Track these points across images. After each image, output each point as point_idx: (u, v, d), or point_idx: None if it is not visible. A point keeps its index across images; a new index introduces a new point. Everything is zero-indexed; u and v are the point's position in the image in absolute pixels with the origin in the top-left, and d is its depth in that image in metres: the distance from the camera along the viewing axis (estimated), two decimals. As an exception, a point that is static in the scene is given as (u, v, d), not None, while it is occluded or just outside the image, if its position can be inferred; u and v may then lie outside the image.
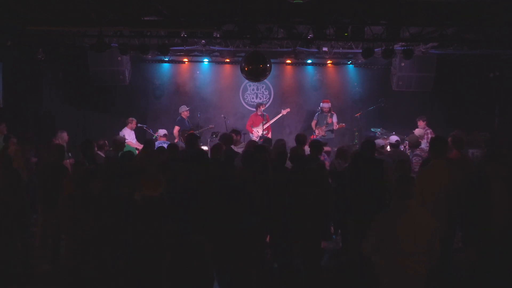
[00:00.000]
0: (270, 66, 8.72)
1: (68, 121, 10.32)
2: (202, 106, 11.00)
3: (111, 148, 7.00)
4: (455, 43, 9.02)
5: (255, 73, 8.65)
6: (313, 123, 10.17)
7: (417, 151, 7.04)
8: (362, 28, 7.53)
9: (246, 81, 10.74)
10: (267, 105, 10.61)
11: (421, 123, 9.24)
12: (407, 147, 8.01)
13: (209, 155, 7.11)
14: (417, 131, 8.66)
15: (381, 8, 7.01)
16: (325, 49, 9.20)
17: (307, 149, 6.29)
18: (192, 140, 6.46)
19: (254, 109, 10.75)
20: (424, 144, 8.42)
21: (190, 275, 1.98)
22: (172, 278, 1.99)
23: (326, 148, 7.77)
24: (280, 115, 10.18)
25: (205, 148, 8.83)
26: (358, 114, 10.35)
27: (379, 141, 7.12)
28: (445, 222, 4.33)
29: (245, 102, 11.35)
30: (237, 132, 8.02)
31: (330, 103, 10.12)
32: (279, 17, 7.51)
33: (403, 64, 9.73)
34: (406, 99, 10.72)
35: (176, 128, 9.64)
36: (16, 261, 5.22)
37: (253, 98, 11.34)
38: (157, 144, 8.16)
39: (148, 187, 3.86)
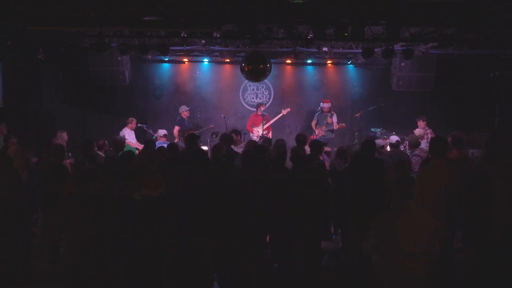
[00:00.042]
0: (270, 66, 8.72)
1: (68, 121, 10.32)
2: (202, 106, 11.00)
3: (111, 148, 7.01)
4: (455, 43, 9.02)
5: (255, 73, 8.65)
6: (313, 123, 10.17)
7: (417, 151, 7.05)
8: (362, 28, 7.54)
9: (246, 81, 10.74)
10: (267, 105, 10.61)
11: (421, 123, 9.24)
12: (407, 147, 8.01)
13: (209, 155, 7.13)
14: (417, 131, 8.66)
15: (381, 8, 7.01)
16: (325, 49, 9.20)
17: (307, 149, 6.29)
18: (191, 140, 6.47)
19: (254, 109, 10.76)
20: (424, 144, 8.42)
21: (190, 275, 1.97)
22: (172, 278, 1.99)
23: (326, 148, 7.77)
24: (281, 115, 10.18)
25: (205, 148, 8.83)
26: (358, 114, 10.35)
27: (379, 141, 7.12)
28: (445, 222, 4.33)
29: (245, 102, 11.35)
30: (237, 132, 8.03)
31: (330, 103, 10.13)
32: (279, 17, 7.51)
33: (403, 64, 9.73)
34: (406, 99, 10.72)
35: (176, 128, 9.64)
36: (16, 261, 5.22)
37: (253, 98, 11.34)
38: (157, 144, 8.15)
39: (148, 187, 3.85)
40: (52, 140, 7.64)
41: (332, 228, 6.18)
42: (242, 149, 6.65)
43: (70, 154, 7.72)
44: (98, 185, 3.97)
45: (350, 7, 6.80)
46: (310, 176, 4.84)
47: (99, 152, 6.71)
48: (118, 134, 8.87)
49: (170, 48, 9.05)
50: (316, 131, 9.97)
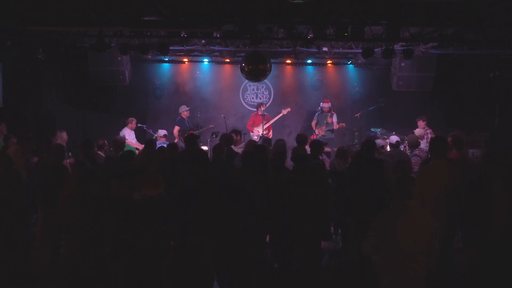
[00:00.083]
0: (270, 66, 8.72)
1: (68, 121, 10.32)
2: (202, 106, 11.00)
3: (111, 148, 7.00)
4: (455, 43, 9.02)
5: (255, 73, 8.65)
6: (313, 123, 10.18)
7: (416, 151, 7.04)
8: (362, 28, 7.54)
9: (246, 81, 10.74)
10: (267, 105, 10.61)
11: (421, 123, 9.24)
12: (407, 147, 8.01)
13: (210, 155, 7.13)
14: (417, 131, 8.66)
15: (381, 8, 7.01)
16: (325, 49, 9.20)
17: (308, 149, 6.29)
18: (191, 140, 6.47)
19: (254, 109, 10.76)
20: (424, 144, 8.42)
21: (190, 275, 1.97)
22: (172, 278, 1.99)
23: (326, 149, 7.77)
24: (281, 114, 10.18)
25: (205, 148, 8.83)
26: (358, 114, 10.35)
27: (379, 141, 7.12)
28: (445, 222, 4.33)
29: (245, 102, 11.35)
30: (237, 132, 8.02)
31: (330, 103, 10.12)
32: (279, 17, 7.51)
33: (403, 64, 9.73)
34: (406, 99, 10.72)
35: (176, 128, 9.64)
36: (16, 261, 5.22)
37: (253, 98, 11.34)
38: (157, 144, 8.15)
39: (148, 187, 3.86)
40: (52, 140, 7.64)
41: (332, 228, 6.18)
42: (242, 149, 6.65)
43: (70, 154, 7.72)
44: (98, 185, 3.98)
45: (350, 7, 6.80)
46: (310, 176, 4.84)
47: (99, 152, 6.71)
48: (118, 134, 8.87)
49: (170, 48, 9.05)
50: (316, 131, 9.97)
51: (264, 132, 9.49)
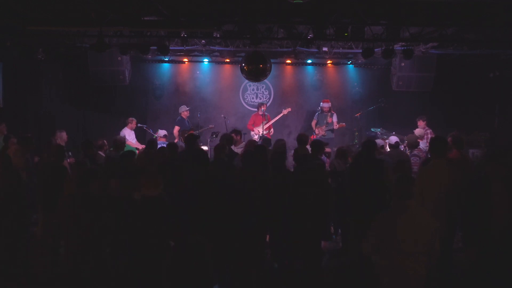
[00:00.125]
0: (270, 66, 8.72)
1: (68, 121, 10.32)
2: (202, 106, 11.00)
3: (111, 148, 7.00)
4: (455, 43, 9.02)
5: (255, 73, 8.65)
6: (313, 123, 10.18)
7: (415, 152, 7.04)
8: (362, 28, 7.53)
9: (246, 81, 10.74)
10: (267, 105, 10.61)
11: (421, 123, 9.24)
12: (406, 147, 8.00)
13: (210, 155, 7.13)
14: (417, 131, 8.66)
15: (381, 8, 7.01)
16: (325, 49, 9.20)
17: (309, 149, 6.30)
18: (191, 140, 6.47)
19: (254, 109, 10.77)
20: (424, 144, 8.42)
21: (190, 275, 1.98)
22: (172, 278, 1.99)
23: (326, 149, 7.77)
24: (281, 114, 10.17)
25: (205, 148, 8.83)
26: (358, 114, 10.35)
27: (379, 141, 7.12)
28: (445, 222, 4.33)
29: (245, 102, 11.35)
30: (237, 132, 8.02)
31: (330, 103, 10.12)
32: (279, 17, 7.51)
33: (403, 64, 9.73)
34: (406, 99, 10.72)
35: (176, 128, 9.64)
36: (16, 261, 5.22)
37: (253, 98, 11.34)
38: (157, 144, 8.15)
39: (148, 187, 3.86)
40: (52, 140, 7.64)
41: (332, 228, 6.18)
42: (242, 149, 6.66)
43: (70, 154, 7.72)
44: (98, 185, 3.98)
45: (350, 7, 6.80)
46: (310, 176, 4.84)
47: (99, 152, 6.71)
48: (118, 134, 8.87)
49: (170, 48, 9.05)
50: (316, 131, 9.97)
51: (265, 132, 9.49)
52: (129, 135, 9.33)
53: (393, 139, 7.17)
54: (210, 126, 10.11)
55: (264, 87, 11.35)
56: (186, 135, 7.94)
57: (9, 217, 5.05)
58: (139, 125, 9.73)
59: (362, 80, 11.27)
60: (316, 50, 9.51)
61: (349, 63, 11.18)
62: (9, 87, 9.81)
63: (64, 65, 10.67)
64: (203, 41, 9.01)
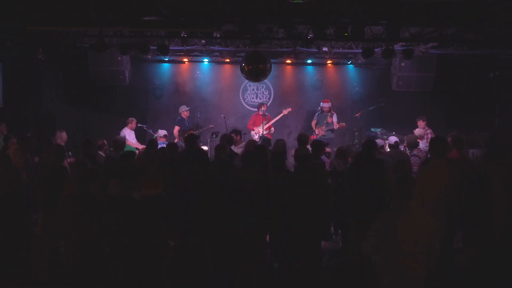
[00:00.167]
0: (270, 66, 8.72)
1: (68, 121, 10.32)
2: (202, 106, 11.00)
3: (111, 148, 7.01)
4: (455, 43, 9.02)
5: (255, 73, 8.65)
6: (313, 123, 10.18)
7: (415, 152, 7.05)
8: (362, 28, 7.54)
9: (246, 81, 10.74)
10: (267, 105, 10.61)
11: (421, 123, 9.24)
12: (406, 147, 8.00)
13: (211, 155, 7.13)
14: (417, 131, 8.66)
15: (381, 8, 7.01)
16: (325, 49, 9.20)
17: (309, 149, 6.30)
18: (191, 140, 6.47)
19: (254, 109, 10.78)
20: (424, 144, 8.42)
21: (190, 275, 1.97)
22: (172, 278, 1.99)
23: (326, 149, 7.77)
24: (282, 114, 10.17)
25: (205, 148, 8.83)
26: (358, 114, 10.35)
27: (378, 141, 7.12)
28: (445, 222, 4.33)
29: (245, 102, 11.36)
30: (237, 132, 8.02)
31: (330, 103, 10.13)
32: (279, 17, 7.51)
33: (403, 64, 9.73)
34: (406, 99, 10.72)
35: (176, 128, 9.64)
36: (16, 261, 5.22)
37: (253, 98, 11.35)
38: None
39: (148, 187, 3.86)
40: (52, 140, 7.64)
41: (332, 228, 6.18)
42: (242, 149, 6.66)
43: (70, 153, 7.72)
44: (98, 185, 3.98)
45: (350, 7, 6.80)
46: (310, 176, 4.84)
47: (99, 152, 6.71)
48: (118, 134, 8.87)
49: (170, 48, 9.05)
50: (316, 131, 9.97)
51: (265, 132, 9.50)
52: (129, 135, 9.33)
53: (392, 139, 7.17)
54: (210, 126, 10.11)
55: (264, 87, 11.35)
56: (186, 135, 7.94)
57: (9, 217, 5.05)
58: (139, 125, 9.74)
59: (362, 80, 11.27)
60: (316, 50, 9.51)
61: (349, 63, 11.18)
62: (9, 87, 9.81)
63: (64, 65, 10.67)
64: (203, 41, 9.01)
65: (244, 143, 7.76)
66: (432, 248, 3.36)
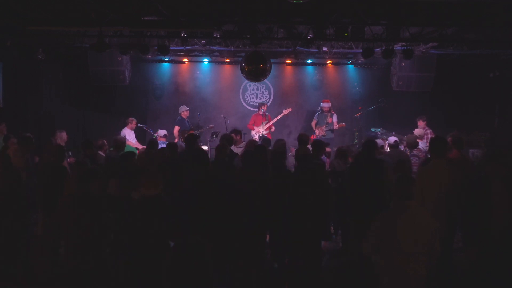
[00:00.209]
0: (270, 66, 8.72)
1: (68, 121, 10.32)
2: (202, 106, 11.00)
3: (111, 148, 7.00)
4: (455, 43, 9.02)
5: (255, 73, 8.66)
6: (313, 123, 10.18)
7: (415, 152, 7.05)
8: (362, 28, 7.54)
9: (246, 81, 10.75)
10: (267, 105, 10.61)
11: (421, 123, 9.24)
12: (406, 147, 8.00)
13: (212, 155, 7.13)
14: (416, 131, 8.66)
15: (381, 8, 7.01)
16: (325, 49, 9.21)
17: (310, 149, 6.30)
18: (191, 140, 6.47)
19: (254, 109, 10.79)
20: (424, 144, 8.42)
21: (190, 275, 1.97)
22: (172, 278, 1.99)
23: (327, 149, 7.77)
24: (282, 114, 10.17)
25: (205, 148, 8.83)
26: (358, 114, 10.35)
27: (378, 141, 7.11)
28: (445, 222, 4.33)
29: (245, 102, 11.36)
30: (237, 132, 8.02)
31: (330, 103, 10.13)
32: (279, 17, 7.51)
33: (403, 64, 9.74)
34: (406, 99, 10.72)
35: (176, 128, 9.65)
36: (16, 261, 5.21)
37: (253, 98, 11.35)
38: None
39: (148, 187, 3.86)
40: (52, 140, 7.64)
41: (332, 228, 6.18)
42: (242, 149, 6.66)
43: (70, 153, 7.72)
44: (98, 185, 3.98)
45: (350, 7, 6.80)
46: (310, 176, 4.84)
47: (99, 152, 6.71)
48: (119, 134, 8.87)
49: (170, 48, 9.05)
50: (316, 131, 9.97)
51: (265, 132, 9.50)
52: (129, 135, 9.33)
53: (392, 139, 7.17)
54: (210, 126, 10.11)
55: (264, 87, 11.35)
56: (186, 135, 7.94)
57: (9, 217, 5.05)
58: (139, 125, 9.74)
59: (362, 80, 11.27)
60: (316, 50, 9.51)
61: (349, 63, 11.18)
62: (9, 87, 9.81)
63: (64, 65, 10.67)
64: (203, 41, 9.01)
65: (244, 143, 7.76)
66: (432, 248, 3.35)
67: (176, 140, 9.32)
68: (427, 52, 9.56)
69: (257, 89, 11.39)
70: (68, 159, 7.29)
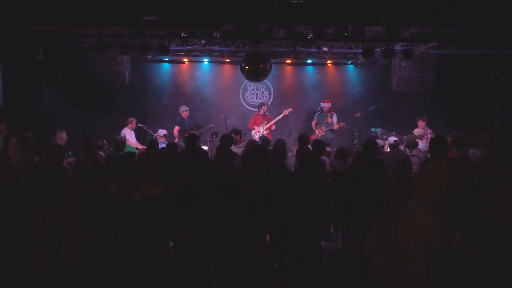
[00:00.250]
0: (270, 66, 8.72)
1: (68, 121, 10.32)
2: (202, 106, 11.00)
3: (111, 148, 7.01)
4: (455, 43, 9.02)
5: (255, 73, 8.65)
6: (313, 123, 10.18)
7: (414, 152, 7.05)
8: (362, 28, 7.54)
9: (246, 81, 10.75)
10: (267, 105, 10.61)
11: (421, 123, 9.24)
12: (406, 148, 8.00)
13: (213, 155, 7.13)
14: (416, 131, 8.66)
15: (381, 8, 7.01)
16: (325, 49, 9.21)
17: (310, 148, 6.31)
18: (192, 140, 6.48)
19: (254, 109, 10.80)
20: (424, 144, 8.42)
21: (190, 275, 1.97)
22: (172, 278, 1.99)
23: (327, 149, 7.77)
24: (282, 115, 10.17)
25: (205, 148, 8.83)
26: (358, 114, 10.35)
27: (378, 141, 7.11)
28: (445, 222, 4.33)
29: (245, 102, 11.36)
30: (237, 132, 8.02)
31: (330, 103, 10.13)
32: (279, 17, 7.51)
33: (403, 64, 9.74)
34: (406, 99, 10.72)
35: (176, 128, 9.65)
36: (16, 261, 5.21)
37: (253, 98, 11.35)
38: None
39: (148, 187, 3.86)
40: (52, 140, 7.64)
41: (332, 228, 6.18)
42: (242, 149, 6.66)
43: (70, 153, 7.72)
44: (98, 185, 3.98)
45: (350, 7, 6.80)
46: (310, 176, 4.84)
47: (99, 152, 6.71)
48: (119, 134, 8.87)
49: (170, 48, 9.05)
50: (316, 131, 9.97)
51: (265, 132, 9.50)
52: (129, 135, 9.33)
53: (392, 139, 7.18)
54: (210, 126, 10.11)
55: (264, 87, 11.35)
56: (186, 135, 7.95)
57: (9, 217, 5.05)
58: (139, 125, 9.74)
59: (362, 80, 11.27)
60: (316, 50, 9.51)
61: (349, 63, 11.18)
62: (9, 87, 9.81)
63: (64, 65, 10.67)
64: (203, 41, 9.01)
65: (244, 143, 7.76)
66: (432, 248, 3.35)
67: (176, 140, 9.32)
68: (427, 52, 9.56)
69: (257, 89, 11.39)
70: (68, 159, 7.29)
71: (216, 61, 11.01)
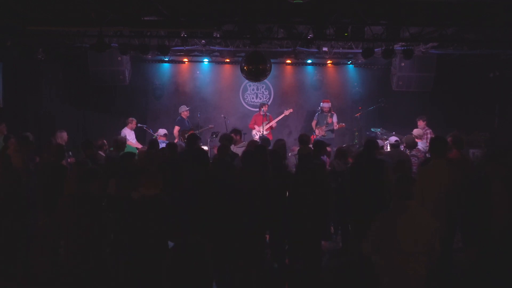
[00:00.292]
0: (270, 66, 8.72)
1: (68, 121, 10.32)
2: (202, 106, 11.00)
3: (111, 148, 7.00)
4: (455, 43, 9.02)
5: (255, 73, 8.66)
6: (313, 123, 10.18)
7: (414, 152, 7.05)
8: (362, 28, 7.54)
9: (246, 81, 10.75)
10: (268, 105, 10.61)
11: (421, 123, 9.23)
12: (406, 148, 8.00)
13: (213, 155, 7.14)
14: (415, 131, 8.65)
15: (381, 8, 7.01)
16: (325, 49, 9.21)
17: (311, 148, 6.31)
18: (192, 140, 6.48)
19: (254, 109, 10.80)
20: (424, 144, 8.42)
21: (190, 275, 1.97)
22: (172, 278, 1.99)
23: (328, 149, 7.77)
24: (283, 115, 10.17)
25: (205, 148, 8.83)
26: (358, 114, 10.35)
27: (378, 141, 7.11)
28: (445, 222, 4.33)
29: (245, 102, 11.36)
30: (236, 132, 8.02)
31: (330, 103, 10.13)
32: (279, 17, 7.51)
33: (403, 64, 9.74)
34: (406, 99, 10.72)
35: (176, 128, 9.65)
36: (16, 261, 5.21)
37: (253, 98, 11.35)
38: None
39: (148, 187, 3.86)
40: (52, 140, 7.63)
41: (332, 228, 6.18)
42: (243, 149, 6.65)
43: (70, 153, 7.72)
44: (98, 185, 3.98)
45: (350, 7, 6.80)
46: (310, 176, 4.84)
47: (99, 152, 6.70)
48: (119, 134, 8.87)
49: (170, 48, 9.05)
50: (316, 131, 9.97)
51: (266, 132, 9.50)
52: (129, 135, 9.33)
53: (392, 138, 7.18)
54: (210, 126, 10.11)
55: (264, 87, 11.35)
56: (187, 135, 7.95)
57: (9, 217, 5.05)
58: (139, 125, 9.74)
59: (362, 80, 11.28)
60: (316, 50, 9.51)
61: (349, 63, 11.19)
62: (9, 87, 9.81)
63: (64, 65, 10.67)
64: (203, 41, 9.01)
65: (244, 143, 7.76)
66: (432, 248, 3.35)
67: (176, 140, 9.32)
68: (427, 52, 9.56)
69: (257, 89, 11.39)
70: (68, 159, 7.28)
71: (216, 61, 11.01)
